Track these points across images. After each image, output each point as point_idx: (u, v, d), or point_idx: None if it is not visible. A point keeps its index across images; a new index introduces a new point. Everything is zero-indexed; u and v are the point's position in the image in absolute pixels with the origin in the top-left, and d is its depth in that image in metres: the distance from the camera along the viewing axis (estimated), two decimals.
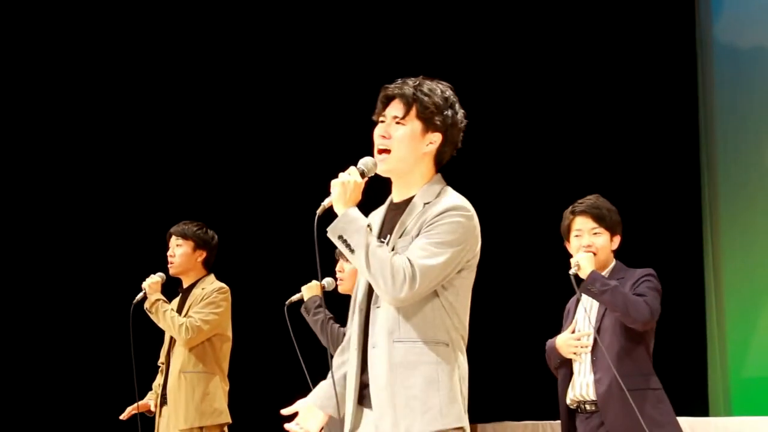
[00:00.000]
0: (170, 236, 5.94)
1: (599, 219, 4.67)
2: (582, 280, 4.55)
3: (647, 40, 8.84)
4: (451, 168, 3.26)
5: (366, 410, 3.16)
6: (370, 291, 3.17)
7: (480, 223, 3.17)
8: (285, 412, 3.39)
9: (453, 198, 3.15)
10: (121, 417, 5.96)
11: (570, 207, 4.77)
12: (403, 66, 3.58)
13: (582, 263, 4.57)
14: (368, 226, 3.10)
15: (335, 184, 3.12)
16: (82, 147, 8.62)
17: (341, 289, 5.28)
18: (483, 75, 9.13)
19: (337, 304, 5.33)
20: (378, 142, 3.18)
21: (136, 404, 5.91)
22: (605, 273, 4.66)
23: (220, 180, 8.80)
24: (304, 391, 5.12)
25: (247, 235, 8.52)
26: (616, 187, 6.27)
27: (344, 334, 5.00)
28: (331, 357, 5.00)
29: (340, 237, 3.06)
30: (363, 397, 3.17)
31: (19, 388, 8.24)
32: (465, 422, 3.10)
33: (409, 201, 3.19)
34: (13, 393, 8.21)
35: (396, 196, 3.26)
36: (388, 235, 3.18)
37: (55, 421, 8.29)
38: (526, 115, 9.19)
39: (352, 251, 3.05)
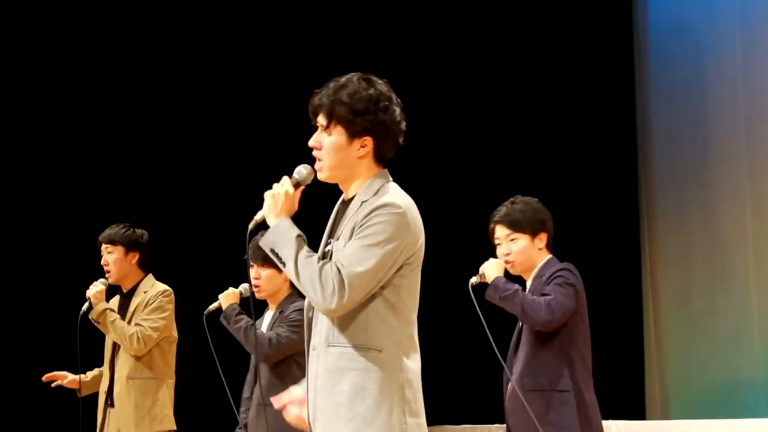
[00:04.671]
0: (100, 244, 5.86)
1: (513, 225, 4.66)
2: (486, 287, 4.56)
3: (583, 27, 8.87)
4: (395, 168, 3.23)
5: None
6: None
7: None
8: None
9: (387, 196, 3.09)
10: (45, 378, 5.90)
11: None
12: (338, 66, 3.53)
13: (487, 272, 4.60)
14: (299, 236, 3.05)
15: (266, 197, 3.10)
16: (22, 151, 8.51)
17: (259, 296, 5.19)
18: (407, 71, 9.04)
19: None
20: (313, 152, 3.16)
21: (65, 376, 5.87)
22: (534, 272, 4.66)
23: (157, 180, 8.70)
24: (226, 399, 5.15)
25: (182, 236, 8.44)
26: (545, 188, 6.27)
27: (269, 339, 4.96)
28: (257, 363, 5.00)
29: (272, 250, 3.04)
30: None
31: None
32: (393, 429, 3.00)
33: (352, 200, 3.14)
34: None
35: (345, 194, 3.22)
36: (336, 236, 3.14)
37: None
38: (459, 104, 9.13)
39: (283, 264, 3.03)
